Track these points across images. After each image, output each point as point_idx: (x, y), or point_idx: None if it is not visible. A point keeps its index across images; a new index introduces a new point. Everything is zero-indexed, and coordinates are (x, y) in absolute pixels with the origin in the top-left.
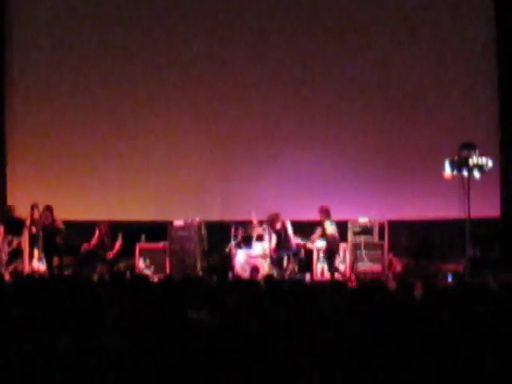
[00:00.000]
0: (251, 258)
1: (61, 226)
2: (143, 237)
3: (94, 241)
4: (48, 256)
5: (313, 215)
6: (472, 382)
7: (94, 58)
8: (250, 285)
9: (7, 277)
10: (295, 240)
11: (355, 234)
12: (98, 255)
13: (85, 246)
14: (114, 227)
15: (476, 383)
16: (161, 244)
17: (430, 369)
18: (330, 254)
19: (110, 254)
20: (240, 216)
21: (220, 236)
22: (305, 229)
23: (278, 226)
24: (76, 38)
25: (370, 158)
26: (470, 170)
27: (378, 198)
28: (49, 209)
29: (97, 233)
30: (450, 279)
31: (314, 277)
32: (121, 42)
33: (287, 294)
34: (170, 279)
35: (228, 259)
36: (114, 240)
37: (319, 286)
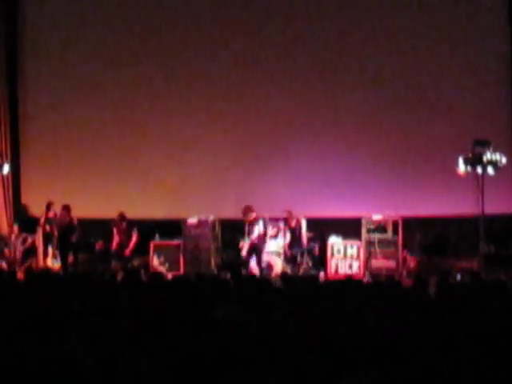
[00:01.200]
0: (265, 255)
1: (75, 224)
2: (157, 235)
3: (117, 238)
4: (63, 254)
5: (326, 212)
6: (486, 379)
7: (106, 57)
8: (264, 282)
9: (21, 275)
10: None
11: (369, 231)
12: (114, 253)
13: (100, 245)
14: (129, 222)
15: (490, 380)
16: (175, 241)
17: (444, 365)
18: (256, 251)
19: (127, 252)
20: (254, 214)
21: (234, 233)
22: (319, 225)
23: (293, 223)
24: (88, 37)
25: (384, 155)
26: (484, 167)
27: (391, 195)
28: (67, 208)
29: (115, 231)
30: (458, 277)
31: (328, 274)
32: (133, 40)
33: (301, 291)
34: (183, 277)
35: (242, 256)
36: (130, 236)
37: (333, 283)
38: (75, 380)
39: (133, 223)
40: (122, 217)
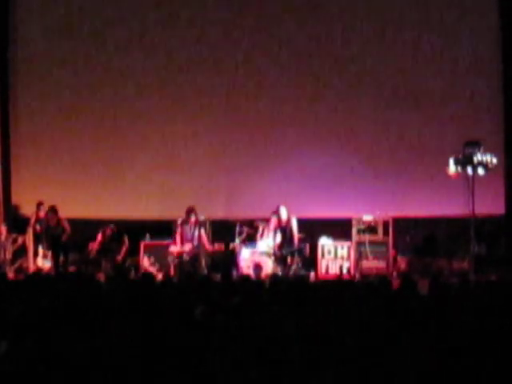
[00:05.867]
0: (256, 255)
1: (66, 226)
2: (148, 236)
3: (96, 246)
4: (54, 254)
5: (317, 213)
6: (475, 380)
7: (98, 57)
8: (254, 283)
9: (11, 275)
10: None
11: (360, 231)
12: (106, 257)
13: (91, 246)
14: (120, 226)
15: (479, 381)
16: (165, 242)
17: (433, 365)
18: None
19: (119, 258)
20: (245, 214)
21: (224, 234)
22: (309, 226)
23: (284, 222)
24: (79, 38)
25: (375, 155)
26: (475, 168)
27: (382, 196)
28: (53, 210)
29: (99, 237)
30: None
31: (319, 274)
32: (124, 41)
33: (291, 291)
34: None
35: (232, 257)
36: (120, 244)
37: (324, 284)
38: (70, 379)
39: (123, 223)
40: (110, 228)
